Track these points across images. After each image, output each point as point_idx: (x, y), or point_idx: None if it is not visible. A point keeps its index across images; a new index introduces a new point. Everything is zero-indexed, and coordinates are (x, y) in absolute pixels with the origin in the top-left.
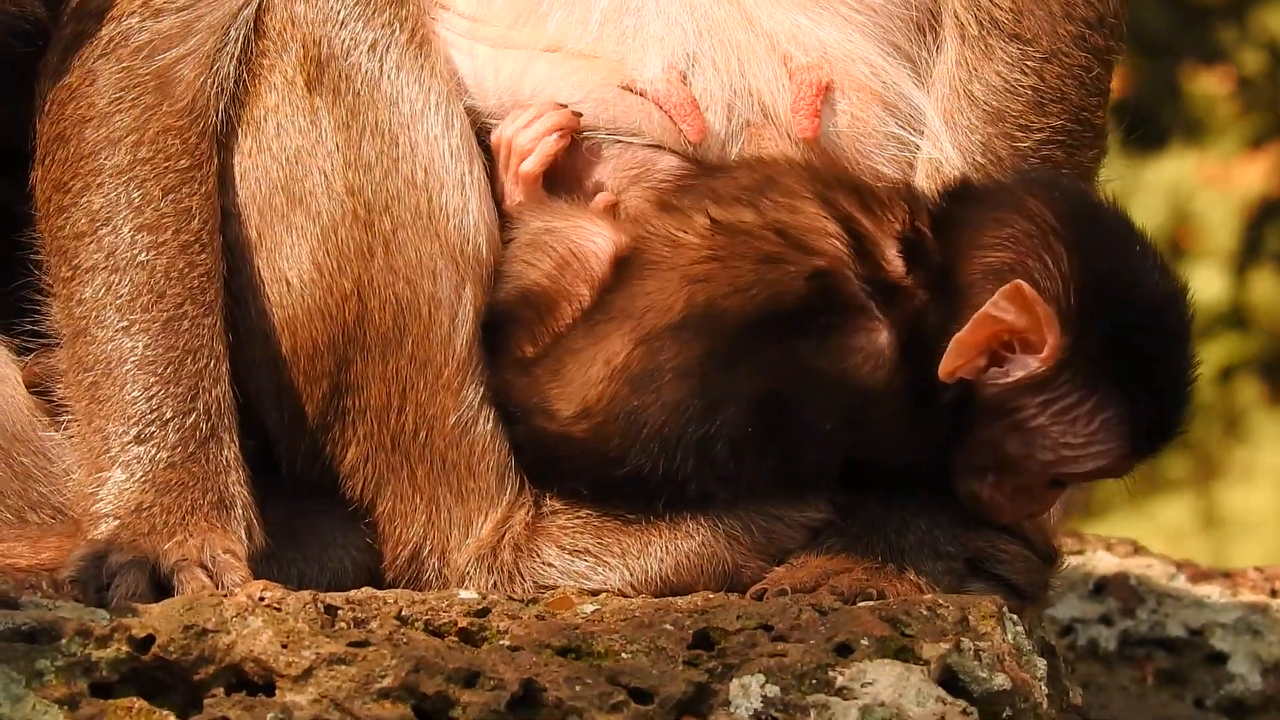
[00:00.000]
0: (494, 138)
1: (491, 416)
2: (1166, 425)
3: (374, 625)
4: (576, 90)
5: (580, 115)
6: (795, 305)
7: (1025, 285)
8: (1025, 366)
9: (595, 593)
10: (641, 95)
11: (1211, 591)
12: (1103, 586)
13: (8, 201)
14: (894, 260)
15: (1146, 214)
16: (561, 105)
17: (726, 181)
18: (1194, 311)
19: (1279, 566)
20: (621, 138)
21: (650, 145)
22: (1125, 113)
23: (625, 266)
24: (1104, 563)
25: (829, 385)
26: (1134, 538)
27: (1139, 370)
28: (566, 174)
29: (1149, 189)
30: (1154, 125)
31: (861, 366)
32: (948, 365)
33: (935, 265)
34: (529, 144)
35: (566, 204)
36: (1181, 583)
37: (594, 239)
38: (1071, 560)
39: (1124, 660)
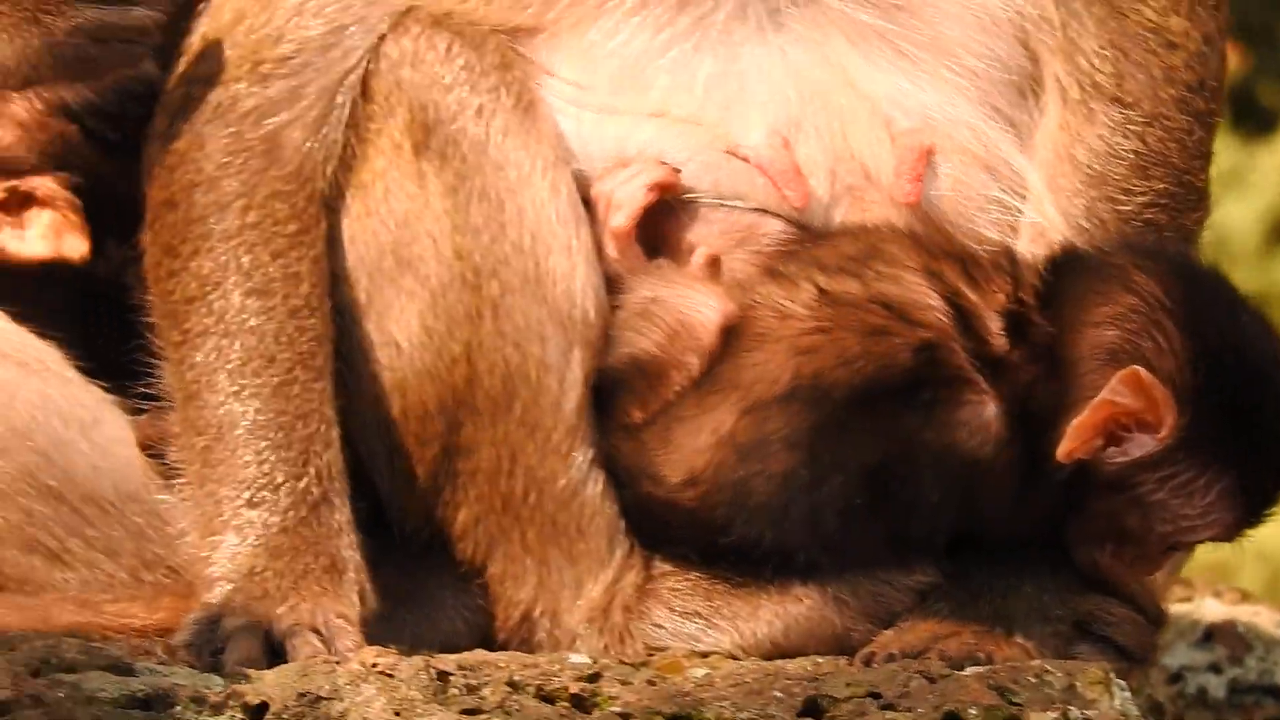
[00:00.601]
0: (594, 193)
1: (601, 479)
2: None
3: (486, 691)
4: (681, 154)
5: (679, 171)
6: (902, 378)
7: (1143, 371)
8: (1143, 446)
9: (705, 654)
10: (745, 160)
11: None
12: (1211, 634)
13: (120, 263)
14: (998, 334)
15: (1259, 198)
16: (662, 162)
17: (831, 250)
18: None
19: None
20: (726, 202)
21: (754, 210)
22: (1235, 98)
23: (733, 336)
24: (1212, 610)
25: (936, 457)
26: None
27: (1252, 438)
28: (670, 237)
29: (1261, 173)
30: (1264, 110)
31: (970, 439)
32: (1065, 447)
33: (1041, 339)
34: (622, 200)
35: (671, 269)
36: None
37: (700, 309)
38: (1180, 608)
39: (1233, 708)
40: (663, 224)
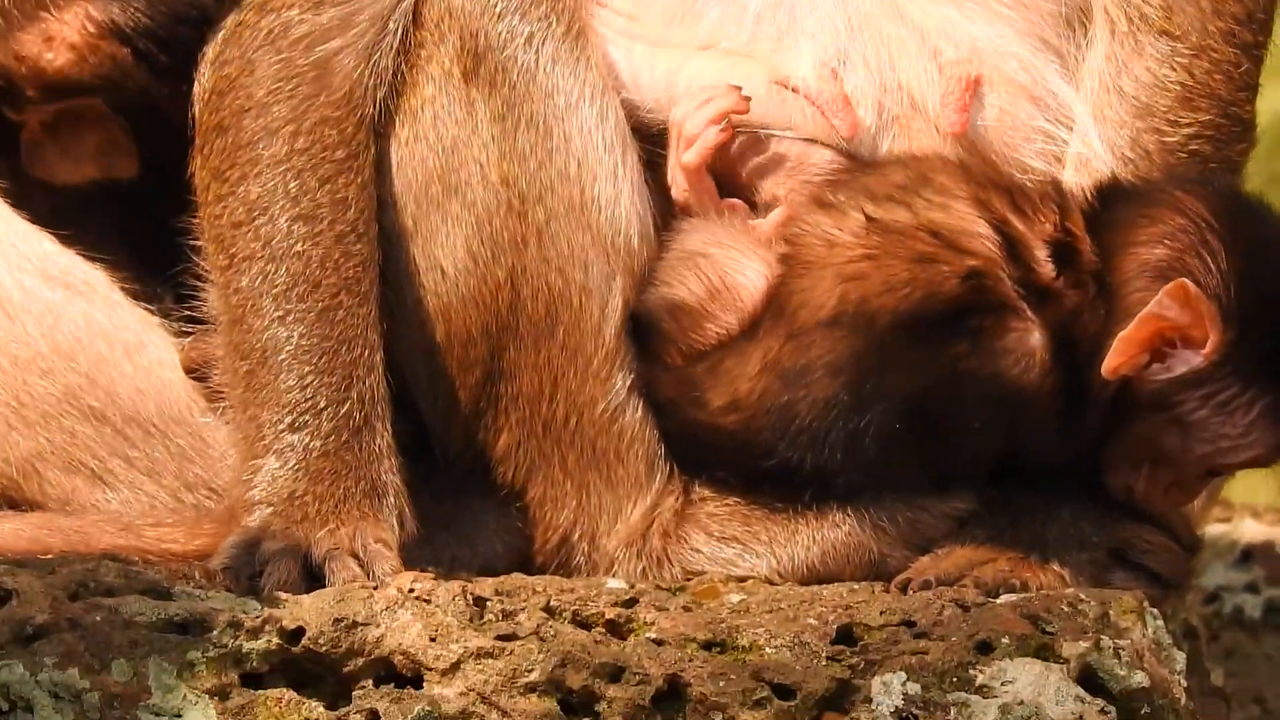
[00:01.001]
0: (669, 119)
1: (640, 405)
2: None
3: (522, 618)
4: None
5: (749, 99)
6: (948, 305)
7: (1190, 284)
8: (1187, 362)
9: (742, 579)
10: (794, 91)
11: None
12: (1249, 554)
13: (170, 186)
14: (1045, 262)
15: None
16: (736, 88)
17: (880, 179)
18: None
19: None
20: (776, 133)
21: (804, 140)
22: None
23: (780, 276)
24: (1250, 530)
25: (980, 385)
26: None
27: None
28: (722, 165)
29: None
30: None
31: (1014, 367)
32: (1111, 362)
33: (1088, 266)
34: (695, 130)
35: (727, 228)
36: None
37: (746, 272)
38: (1219, 528)
39: (1269, 628)
40: (718, 152)
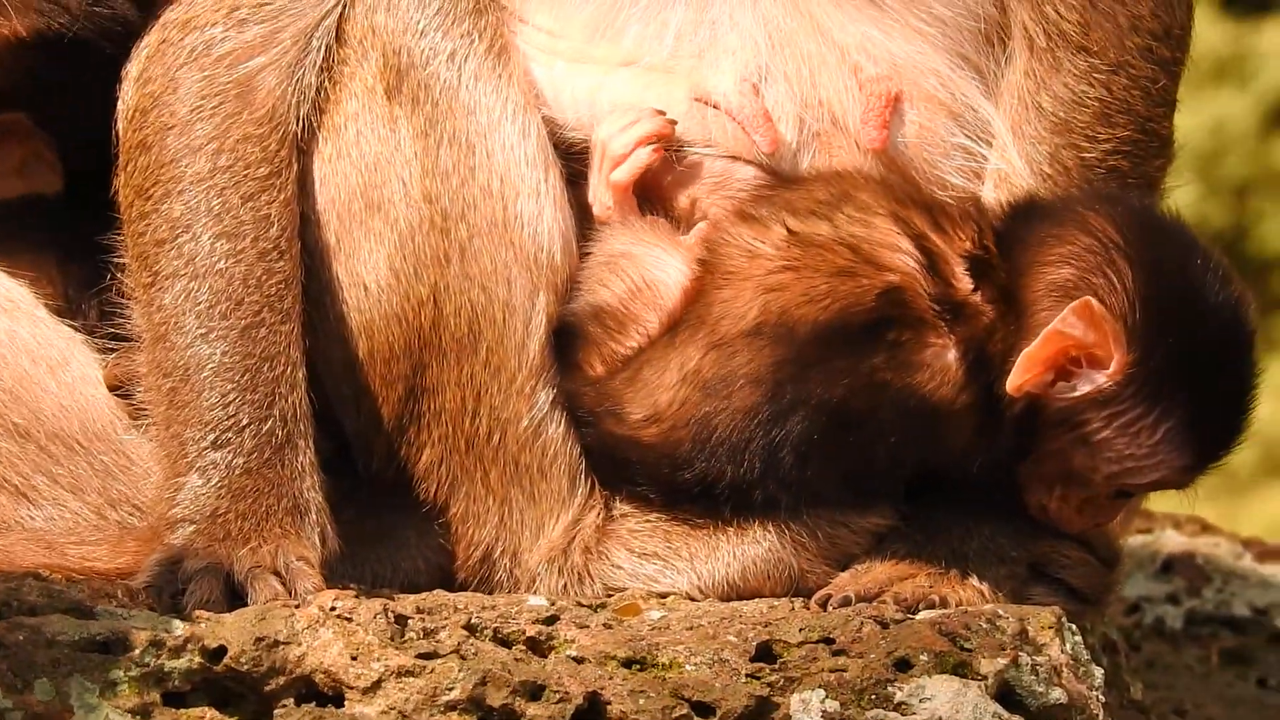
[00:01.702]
0: (592, 138)
1: (563, 420)
2: (1228, 435)
3: (443, 635)
4: (653, 103)
5: (675, 122)
6: (866, 319)
7: (1094, 302)
8: (1092, 381)
9: (663, 596)
10: (715, 108)
11: (1277, 570)
12: (1170, 565)
13: (94, 202)
14: (962, 278)
15: (1255, 85)
16: (660, 111)
17: (803, 194)
18: (1256, 321)
19: None
20: (698, 149)
21: (726, 156)
22: None
23: (699, 284)
24: (1171, 541)
25: (896, 399)
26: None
27: (1202, 382)
28: (646, 182)
29: (1256, 59)
30: None
31: (929, 382)
32: (1016, 380)
33: (1001, 282)
34: (622, 150)
35: (649, 229)
36: (1248, 561)
37: (666, 268)
38: (1140, 539)
39: (1190, 639)
40: (664, 221)
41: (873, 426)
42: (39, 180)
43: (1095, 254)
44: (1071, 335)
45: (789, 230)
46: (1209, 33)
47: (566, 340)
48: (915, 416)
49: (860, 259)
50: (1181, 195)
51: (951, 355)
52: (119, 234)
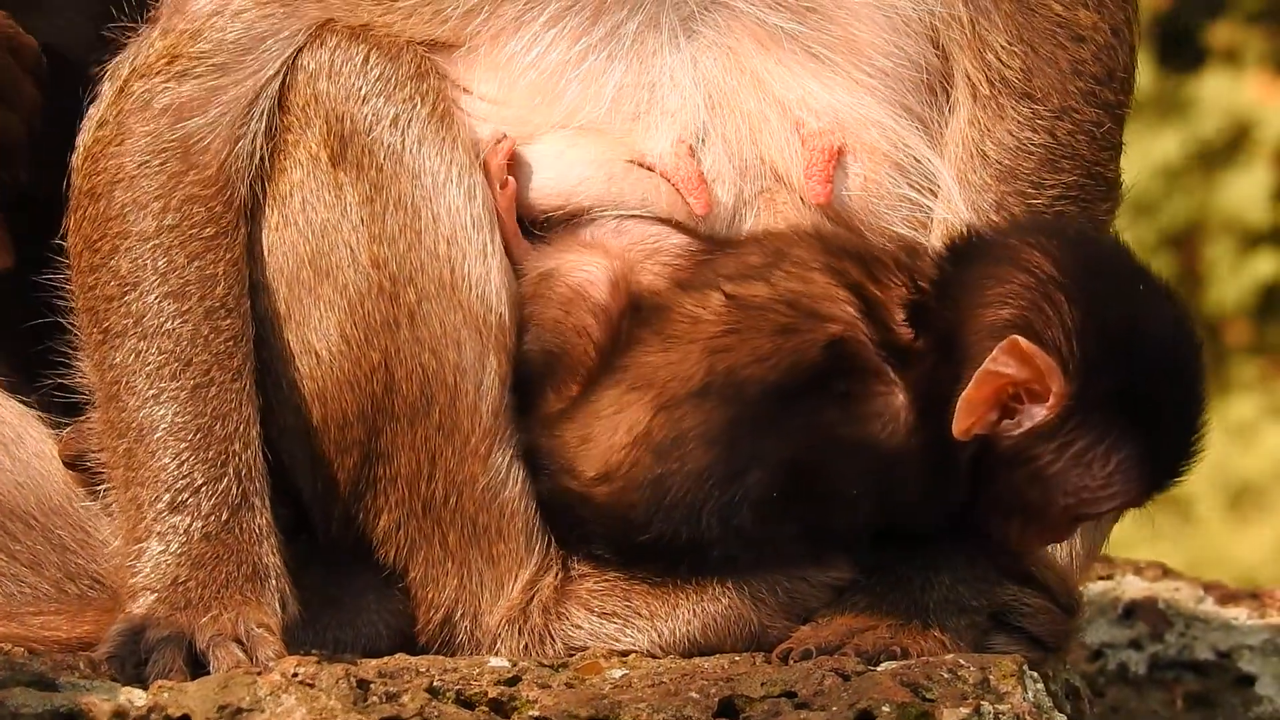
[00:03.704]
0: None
1: (520, 481)
2: (1182, 457)
3: (405, 699)
4: (587, 166)
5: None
6: (813, 372)
7: (1021, 339)
8: (1033, 417)
9: (624, 654)
10: (650, 170)
11: (1239, 614)
12: (1132, 611)
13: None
14: (902, 324)
15: (1197, 128)
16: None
17: (737, 259)
18: (1202, 340)
19: None
20: (632, 211)
21: (659, 220)
22: (1163, 32)
23: (643, 323)
24: (1133, 587)
25: (850, 449)
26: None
27: (1150, 407)
28: (578, 243)
29: (1190, 105)
30: (1192, 46)
31: (881, 430)
32: (960, 424)
33: (941, 327)
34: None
35: (556, 243)
36: (1210, 605)
37: (587, 268)
38: (1101, 585)
39: (1154, 684)
40: (574, 234)
41: (829, 479)
42: None
43: (1031, 290)
44: (1005, 373)
45: (726, 295)
46: (1148, 79)
47: (526, 391)
48: (871, 465)
49: (800, 314)
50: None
51: (900, 400)
52: (68, 281)
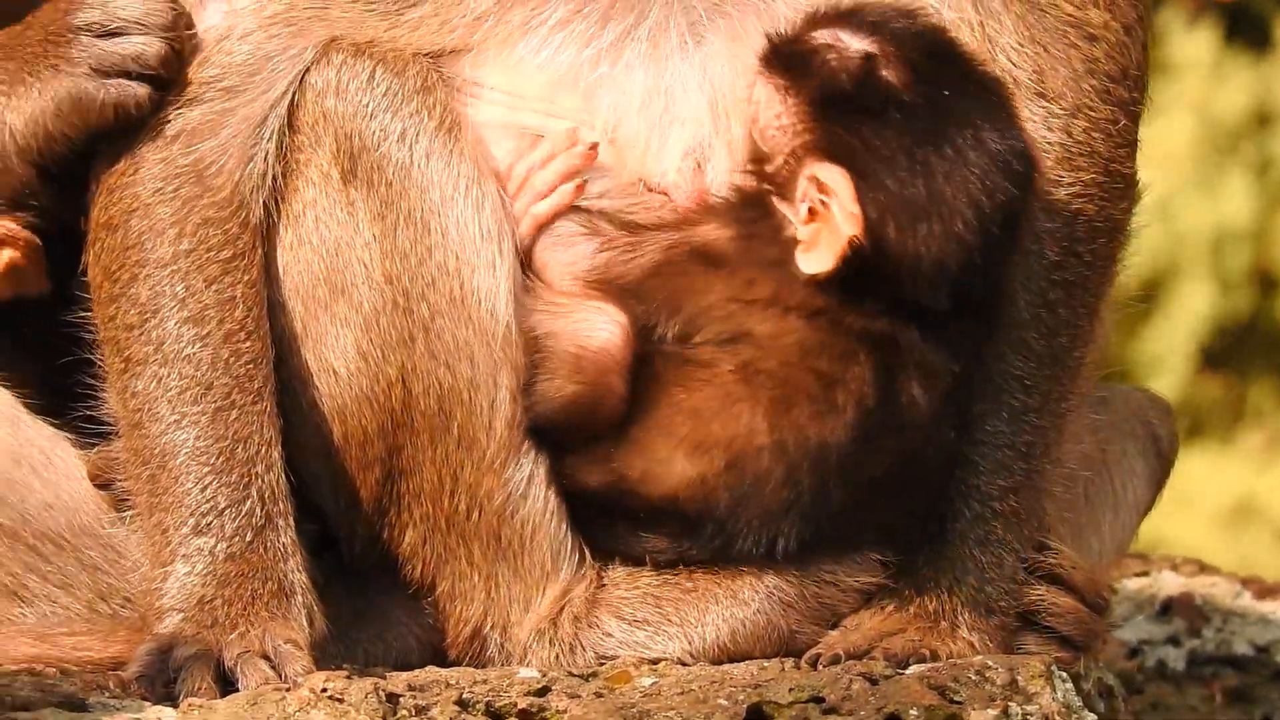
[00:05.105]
0: (505, 165)
1: (542, 494)
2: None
3: (435, 711)
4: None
5: (596, 146)
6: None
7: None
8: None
9: (654, 662)
10: (657, 190)
11: (1277, 608)
12: (1169, 607)
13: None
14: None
15: None
16: (573, 130)
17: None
18: None
19: None
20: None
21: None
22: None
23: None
24: (1170, 583)
25: (893, 435)
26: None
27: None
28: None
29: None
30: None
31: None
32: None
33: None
34: (544, 186)
35: (549, 294)
36: (1247, 600)
37: (599, 329)
38: (1137, 582)
39: (1192, 680)
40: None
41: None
42: (27, 282)
43: None
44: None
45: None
46: None
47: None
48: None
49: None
50: None
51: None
52: (90, 314)
